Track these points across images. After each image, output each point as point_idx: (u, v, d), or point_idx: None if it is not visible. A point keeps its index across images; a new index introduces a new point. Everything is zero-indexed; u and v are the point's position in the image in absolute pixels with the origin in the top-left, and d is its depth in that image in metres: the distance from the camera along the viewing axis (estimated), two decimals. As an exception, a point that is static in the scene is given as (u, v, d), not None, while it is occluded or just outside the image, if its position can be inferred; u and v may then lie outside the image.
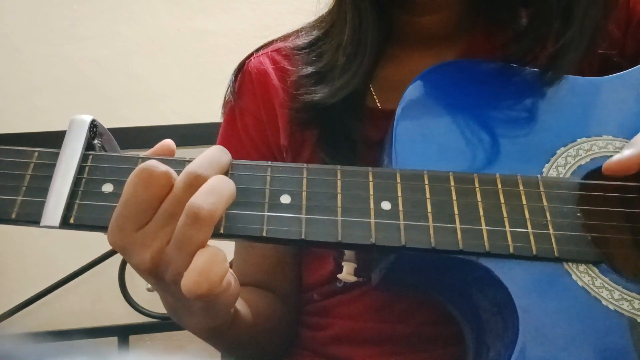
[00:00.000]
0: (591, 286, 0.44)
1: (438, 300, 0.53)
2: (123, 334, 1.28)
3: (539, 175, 0.49)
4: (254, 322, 0.59)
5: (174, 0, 1.50)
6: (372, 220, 0.44)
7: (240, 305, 0.56)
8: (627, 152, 0.47)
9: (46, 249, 1.39)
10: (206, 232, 0.40)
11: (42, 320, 1.37)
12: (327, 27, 0.66)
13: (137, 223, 0.41)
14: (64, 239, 1.36)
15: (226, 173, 0.45)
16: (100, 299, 1.39)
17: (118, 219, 0.41)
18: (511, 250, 0.44)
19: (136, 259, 0.41)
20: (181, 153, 0.46)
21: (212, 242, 0.41)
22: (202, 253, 0.39)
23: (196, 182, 0.40)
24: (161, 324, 1.28)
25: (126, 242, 0.41)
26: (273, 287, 0.68)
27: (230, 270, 0.43)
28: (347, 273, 0.54)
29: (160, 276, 0.42)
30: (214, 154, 0.44)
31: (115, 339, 1.28)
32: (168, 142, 0.46)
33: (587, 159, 0.50)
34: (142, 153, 0.46)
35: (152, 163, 0.41)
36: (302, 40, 0.68)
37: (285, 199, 0.44)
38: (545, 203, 0.47)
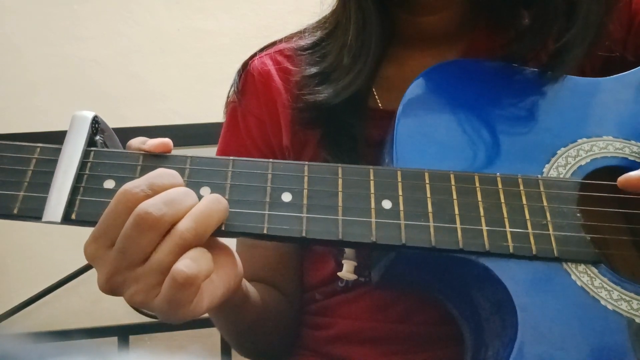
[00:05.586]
0: (590, 286, 0.44)
1: (437, 299, 0.53)
2: (123, 334, 1.28)
3: (539, 176, 0.49)
4: (263, 309, 0.61)
5: (174, 0, 1.50)
6: (373, 219, 0.44)
7: (251, 290, 0.58)
8: None
9: (46, 249, 1.39)
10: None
11: (42, 320, 1.37)
12: (331, 27, 0.66)
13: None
14: (64, 239, 1.36)
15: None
16: (100, 299, 1.38)
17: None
18: (511, 250, 0.45)
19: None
20: (181, 153, 0.46)
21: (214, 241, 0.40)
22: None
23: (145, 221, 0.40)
24: (161, 324, 1.28)
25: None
26: (276, 285, 0.68)
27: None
28: (347, 271, 0.54)
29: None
30: (176, 195, 0.41)
31: (115, 339, 1.28)
32: (165, 141, 0.46)
33: (588, 160, 0.50)
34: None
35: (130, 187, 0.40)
36: (305, 41, 0.68)
37: (286, 197, 0.44)
38: (545, 203, 0.47)
